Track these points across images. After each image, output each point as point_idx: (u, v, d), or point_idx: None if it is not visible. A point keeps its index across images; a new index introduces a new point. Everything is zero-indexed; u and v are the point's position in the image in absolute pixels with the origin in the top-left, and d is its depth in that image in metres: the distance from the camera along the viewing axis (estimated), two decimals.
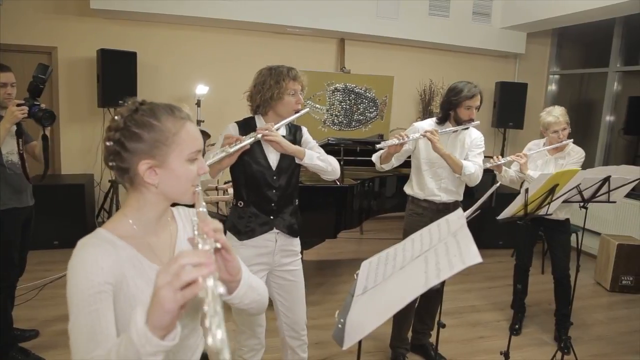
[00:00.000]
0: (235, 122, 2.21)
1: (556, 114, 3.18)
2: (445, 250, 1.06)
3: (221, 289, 0.76)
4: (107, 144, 1.06)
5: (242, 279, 1.07)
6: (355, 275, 1.33)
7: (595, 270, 4.70)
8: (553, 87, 6.97)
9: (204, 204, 1.06)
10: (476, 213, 1.89)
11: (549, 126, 3.20)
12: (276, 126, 2.09)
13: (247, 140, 1.97)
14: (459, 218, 1.26)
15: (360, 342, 1.27)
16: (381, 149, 2.68)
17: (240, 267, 1.06)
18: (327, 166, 2.22)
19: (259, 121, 2.19)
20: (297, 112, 2.18)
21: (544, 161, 3.31)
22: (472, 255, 0.95)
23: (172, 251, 1.17)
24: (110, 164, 1.08)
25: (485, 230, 5.26)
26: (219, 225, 0.96)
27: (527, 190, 2.32)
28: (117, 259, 1.03)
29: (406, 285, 1.03)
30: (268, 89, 2.10)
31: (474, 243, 0.99)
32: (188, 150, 1.08)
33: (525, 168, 3.16)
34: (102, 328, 0.95)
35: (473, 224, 4.63)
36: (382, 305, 1.02)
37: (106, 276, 0.99)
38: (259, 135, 2.01)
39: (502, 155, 3.44)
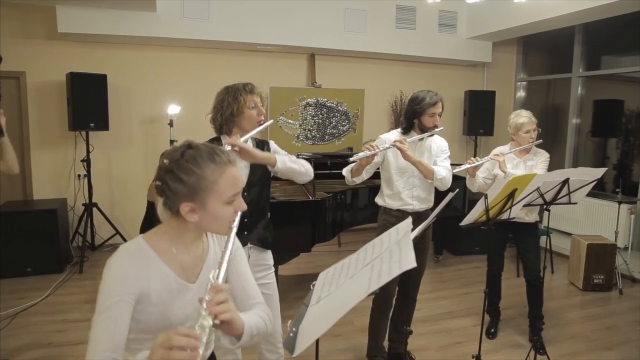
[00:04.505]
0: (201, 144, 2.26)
1: (526, 115, 3.31)
2: (389, 257, 1.12)
3: None
4: (157, 183, 1.22)
5: (245, 333, 1.18)
6: (311, 285, 1.39)
7: (568, 270, 4.82)
8: (521, 94, 7.19)
9: (230, 245, 1.18)
10: (433, 221, 1.96)
11: (521, 127, 3.28)
12: (242, 139, 2.13)
13: None
14: (407, 226, 1.32)
15: (317, 351, 1.32)
16: (353, 161, 2.73)
17: (240, 326, 1.16)
18: (300, 167, 2.26)
19: (225, 140, 2.23)
20: (260, 124, 2.23)
21: (514, 164, 3.38)
22: (408, 260, 1.01)
23: (201, 268, 1.31)
24: (161, 198, 1.24)
25: (462, 237, 5.37)
26: (223, 297, 1.07)
27: (486, 196, 2.41)
28: (146, 272, 1.19)
29: (351, 292, 1.09)
30: (227, 106, 2.17)
31: (413, 250, 1.05)
32: (226, 196, 1.22)
33: (504, 166, 3.19)
34: (114, 334, 1.11)
35: (449, 231, 4.69)
36: (329, 313, 1.08)
37: (131, 287, 1.16)
38: (229, 146, 2.02)
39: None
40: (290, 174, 2.27)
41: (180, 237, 1.26)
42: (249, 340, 1.22)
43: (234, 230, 1.22)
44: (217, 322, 1.05)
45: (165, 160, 1.21)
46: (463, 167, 3.01)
